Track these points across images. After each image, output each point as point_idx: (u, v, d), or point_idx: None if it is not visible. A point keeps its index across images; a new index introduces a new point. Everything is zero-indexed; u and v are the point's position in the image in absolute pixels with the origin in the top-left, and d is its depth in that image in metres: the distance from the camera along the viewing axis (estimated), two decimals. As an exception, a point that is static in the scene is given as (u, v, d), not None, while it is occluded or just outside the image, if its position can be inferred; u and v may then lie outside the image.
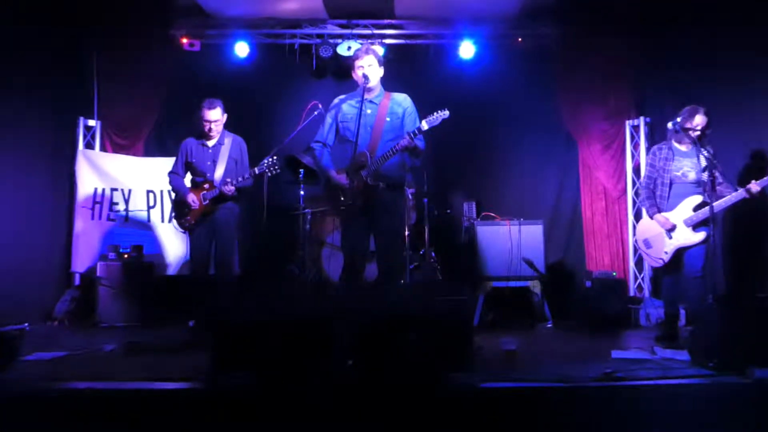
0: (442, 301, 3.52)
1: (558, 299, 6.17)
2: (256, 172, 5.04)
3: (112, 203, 6.75)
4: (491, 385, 3.27)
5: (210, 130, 5.12)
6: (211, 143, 5.18)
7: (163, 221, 6.79)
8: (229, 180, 5.03)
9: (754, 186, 4.47)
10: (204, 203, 5.05)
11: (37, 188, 6.30)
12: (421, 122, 4.25)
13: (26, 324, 5.63)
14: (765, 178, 4.47)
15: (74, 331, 5.56)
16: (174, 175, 5.25)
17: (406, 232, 6.18)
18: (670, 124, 4.75)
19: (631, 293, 6.68)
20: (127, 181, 6.79)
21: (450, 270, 6.56)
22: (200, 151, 5.19)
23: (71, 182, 6.66)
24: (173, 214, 5.34)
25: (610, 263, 6.88)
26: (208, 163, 5.15)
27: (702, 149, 4.67)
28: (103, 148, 7.02)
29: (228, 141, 5.21)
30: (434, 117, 4.23)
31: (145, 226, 6.76)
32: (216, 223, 5.11)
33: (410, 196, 6.35)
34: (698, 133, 4.69)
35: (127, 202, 6.76)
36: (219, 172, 5.11)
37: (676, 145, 4.88)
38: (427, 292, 4.84)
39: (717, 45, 5.61)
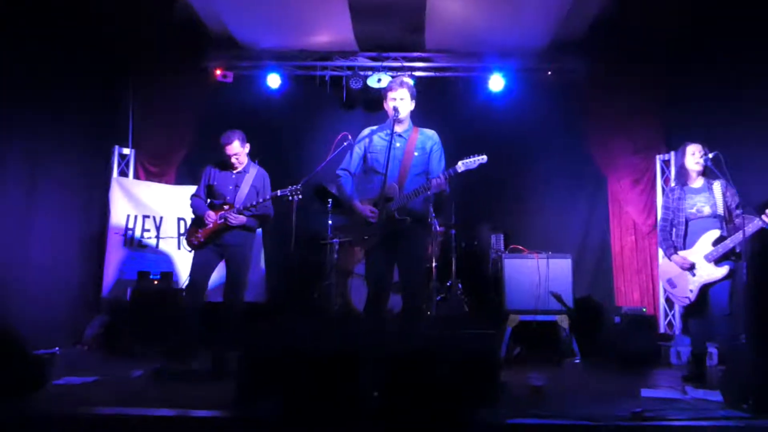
0: (468, 335, 3.50)
1: (586, 334, 6.06)
2: (278, 194, 5.05)
3: (144, 230, 6.87)
4: (517, 421, 3.24)
5: (234, 162, 5.20)
6: (236, 170, 5.26)
7: (193, 248, 6.88)
8: (249, 205, 5.08)
9: None
10: (219, 221, 5.07)
11: (71, 213, 6.44)
12: (457, 164, 4.24)
13: (57, 348, 5.72)
14: None
15: (103, 357, 5.62)
16: (196, 198, 5.33)
17: (434, 264, 6.18)
18: (697, 160, 4.74)
19: (662, 330, 6.56)
20: (159, 208, 6.92)
21: (477, 302, 6.53)
22: (224, 175, 5.27)
23: (105, 208, 6.80)
24: (185, 234, 5.33)
25: (640, 299, 6.78)
26: (231, 187, 5.22)
27: (713, 181, 4.73)
28: (136, 176, 7.18)
29: (253, 171, 5.31)
30: (471, 160, 4.22)
31: (175, 253, 6.86)
32: (228, 248, 5.13)
33: (438, 228, 6.35)
34: (698, 166, 4.75)
35: (158, 229, 6.89)
36: (241, 196, 5.17)
37: (688, 185, 4.87)
38: (453, 325, 4.83)
39: (746, 80, 5.59)
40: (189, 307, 5.13)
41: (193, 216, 5.31)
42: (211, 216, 5.10)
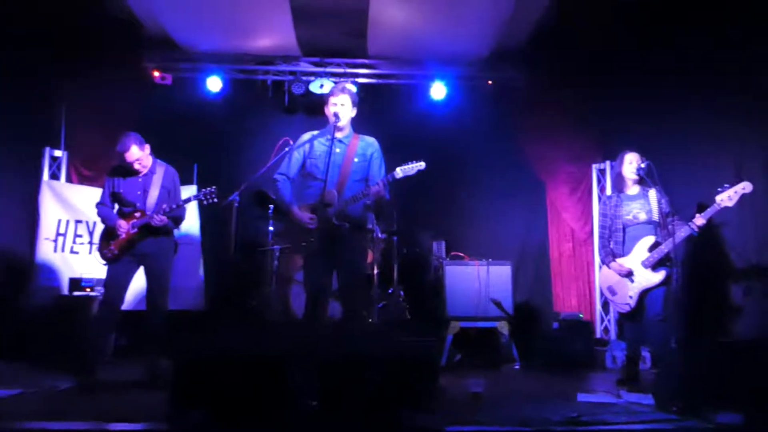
0: (409, 342, 3.49)
1: (525, 340, 6.16)
2: (191, 199, 4.89)
3: (76, 235, 6.62)
4: (456, 428, 3.25)
5: (138, 168, 4.91)
6: (142, 173, 4.96)
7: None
8: (165, 206, 4.83)
9: (699, 219, 4.56)
10: (132, 231, 4.80)
11: (-1, 218, 6.15)
12: (395, 170, 4.24)
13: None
14: (708, 210, 4.56)
15: (30, 368, 5.37)
16: (102, 207, 5.01)
17: (376, 270, 6.17)
18: (634, 169, 4.87)
19: (598, 335, 6.70)
20: (93, 213, 6.61)
21: (418, 309, 6.54)
22: (129, 182, 4.95)
23: (34, 213, 6.51)
24: (97, 246, 5.02)
25: (577, 305, 6.92)
26: (138, 192, 4.92)
27: (648, 188, 4.85)
28: (68, 180, 6.92)
29: (160, 171, 5.02)
30: (410, 167, 4.23)
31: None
32: (145, 257, 4.87)
33: (379, 235, 6.35)
34: (634, 174, 4.87)
35: (91, 234, 6.63)
36: (151, 201, 4.89)
37: (624, 192, 5.00)
38: (394, 331, 4.82)
39: (680, 91, 5.79)
40: (102, 321, 4.88)
41: (103, 226, 5.01)
42: (123, 226, 4.80)
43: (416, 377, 3.34)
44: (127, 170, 4.95)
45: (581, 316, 6.27)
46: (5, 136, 6.20)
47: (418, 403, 3.28)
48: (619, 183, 5.05)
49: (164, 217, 4.81)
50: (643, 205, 4.87)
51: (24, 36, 6.29)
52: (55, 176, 6.86)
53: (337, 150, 4.32)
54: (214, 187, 4.90)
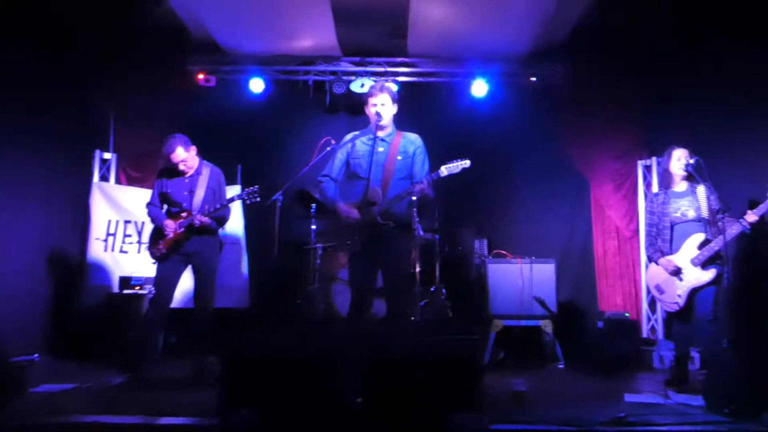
0: (452, 340, 3.49)
1: (570, 339, 6.08)
2: (235, 198, 4.97)
3: (126, 235, 6.79)
4: (501, 426, 3.23)
5: (183, 168, 5.03)
6: (188, 174, 5.09)
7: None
8: (207, 207, 4.94)
9: (751, 216, 4.44)
10: (179, 231, 4.92)
11: (51, 219, 6.32)
12: (440, 168, 4.23)
13: (36, 355, 5.63)
14: (760, 206, 4.43)
15: (84, 364, 5.54)
16: (152, 207, 5.15)
17: (418, 269, 6.17)
18: (682, 165, 4.77)
19: (644, 335, 6.58)
20: (141, 213, 6.79)
21: (461, 307, 6.51)
22: (176, 182, 5.08)
23: (85, 214, 6.71)
24: (147, 245, 5.21)
25: (623, 304, 6.80)
26: (185, 193, 5.05)
27: (697, 184, 4.75)
28: (117, 181, 7.10)
29: (206, 171, 5.14)
30: (455, 165, 4.23)
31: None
32: (192, 256, 4.99)
33: (421, 233, 6.34)
34: (683, 171, 4.77)
35: (140, 234, 6.80)
36: (197, 201, 5.01)
37: (672, 189, 4.91)
38: (437, 330, 4.81)
39: (726, 85, 5.63)
40: (152, 319, 4.99)
41: (152, 225, 5.15)
42: (170, 225, 4.94)
43: (460, 375, 3.33)
44: (174, 171, 5.07)
45: (627, 315, 6.16)
46: (58, 140, 6.38)
47: (461, 401, 3.28)
48: (666, 179, 4.94)
49: (206, 218, 4.91)
50: (692, 202, 4.76)
51: (74, 44, 6.47)
52: (104, 178, 7.05)
53: (380, 149, 4.34)
54: (256, 186, 4.98)
